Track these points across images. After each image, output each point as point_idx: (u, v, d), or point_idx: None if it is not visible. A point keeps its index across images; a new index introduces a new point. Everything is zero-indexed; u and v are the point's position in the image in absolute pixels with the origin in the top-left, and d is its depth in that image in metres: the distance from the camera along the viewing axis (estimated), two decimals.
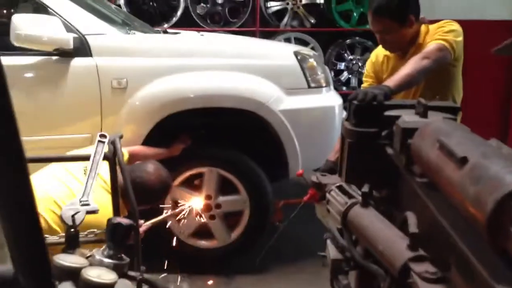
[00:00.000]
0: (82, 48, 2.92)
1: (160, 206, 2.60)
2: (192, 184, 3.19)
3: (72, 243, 1.26)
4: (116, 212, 1.73)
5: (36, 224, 0.54)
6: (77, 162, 2.15)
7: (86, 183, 1.46)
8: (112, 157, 1.67)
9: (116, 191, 1.75)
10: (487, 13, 5.19)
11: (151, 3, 5.35)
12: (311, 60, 3.28)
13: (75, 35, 2.91)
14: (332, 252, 1.30)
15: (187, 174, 3.14)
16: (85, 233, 1.58)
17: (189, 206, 2.81)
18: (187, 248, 3.19)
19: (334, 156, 2.31)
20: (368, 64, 2.71)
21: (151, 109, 2.98)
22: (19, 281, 0.55)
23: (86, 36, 2.95)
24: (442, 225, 0.93)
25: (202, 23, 5.38)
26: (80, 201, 1.38)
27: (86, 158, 1.65)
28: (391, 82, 2.15)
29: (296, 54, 3.23)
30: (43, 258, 0.55)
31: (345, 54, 5.68)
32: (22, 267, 0.55)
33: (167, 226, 2.91)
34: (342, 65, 5.68)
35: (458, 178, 0.83)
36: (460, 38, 2.42)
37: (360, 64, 5.58)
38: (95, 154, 1.57)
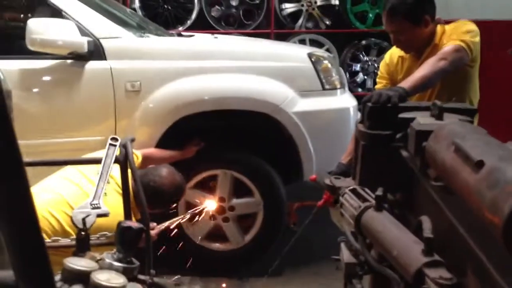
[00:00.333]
0: (96, 52, 2.94)
1: (174, 209, 2.60)
2: (206, 186, 3.19)
3: (82, 246, 1.26)
4: (128, 215, 1.73)
5: (36, 230, 0.54)
6: (91, 165, 2.15)
7: (97, 186, 1.46)
8: (123, 160, 1.67)
9: (127, 194, 1.75)
10: (503, 13, 5.11)
11: (166, 6, 5.38)
12: (325, 61, 3.26)
13: (90, 39, 2.92)
14: (346, 255, 1.29)
15: (201, 176, 3.14)
16: (97, 236, 1.57)
17: (203, 208, 2.80)
18: (200, 250, 3.18)
19: (346, 159, 2.27)
20: (382, 65, 2.67)
21: (164, 112, 2.99)
22: (21, 287, 0.55)
23: (100, 40, 2.96)
24: (457, 230, 0.91)
25: (217, 26, 5.39)
26: (91, 204, 1.38)
27: (97, 161, 1.65)
28: (406, 83, 2.12)
29: (310, 55, 3.21)
30: (44, 264, 0.55)
31: (361, 56, 5.64)
32: (23, 274, 0.55)
33: (180, 229, 2.90)
34: (357, 67, 5.65)
35: (474, 182, 0.81)
36: (477, 39, 2.38)
37: (375, 65, 5.53)
38: (106, 157, 1.57)
